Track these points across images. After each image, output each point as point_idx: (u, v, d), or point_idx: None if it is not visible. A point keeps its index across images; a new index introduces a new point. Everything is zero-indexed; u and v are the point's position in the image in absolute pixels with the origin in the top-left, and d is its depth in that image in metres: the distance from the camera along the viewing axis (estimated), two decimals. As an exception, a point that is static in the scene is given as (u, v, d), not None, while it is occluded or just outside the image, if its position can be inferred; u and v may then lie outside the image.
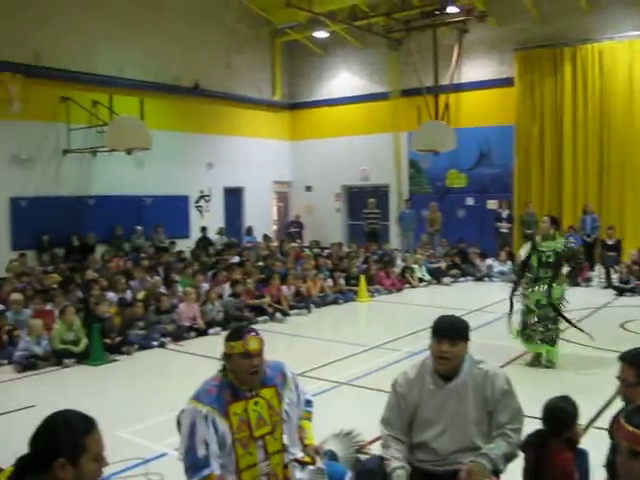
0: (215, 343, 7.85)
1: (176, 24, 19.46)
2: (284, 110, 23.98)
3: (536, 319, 8.37)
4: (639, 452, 1.99)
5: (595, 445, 3.54)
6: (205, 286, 12.46)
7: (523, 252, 8.69)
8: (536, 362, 8.55)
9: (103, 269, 13.98)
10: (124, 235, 17.61)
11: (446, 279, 16.40)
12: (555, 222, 8.77)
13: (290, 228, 22.87)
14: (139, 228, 17.94)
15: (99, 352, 9.23)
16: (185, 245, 18.15)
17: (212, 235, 19.63)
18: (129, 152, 15.48)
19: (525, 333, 8.49)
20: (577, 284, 14.55)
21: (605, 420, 5.79)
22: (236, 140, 21.64)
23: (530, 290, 8.42)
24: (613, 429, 2.97)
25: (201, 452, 3.37)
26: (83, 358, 9.17)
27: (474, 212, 20.31)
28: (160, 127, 17.75)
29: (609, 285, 14.90)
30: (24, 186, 16.13)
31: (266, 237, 20.19)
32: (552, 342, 8.41)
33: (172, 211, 19.35)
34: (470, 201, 20.54)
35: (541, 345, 8.44)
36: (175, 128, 19.37)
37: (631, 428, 2.04)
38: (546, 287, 8.29)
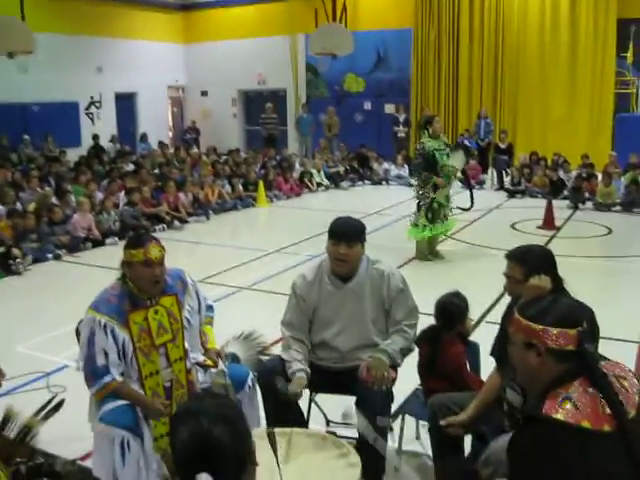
0: (112, 253, 7.74)
1: None
2: (177, 11, 23.00)
3: (444, 213, 8.91)
4: (532, 344, 2.12)
5: (485, 337, 3.72)
6: (99, 195, 12.13)
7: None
8: (425, 256, 9.04)
9: (-11, 181, 13.35)
10: (10, 145, 16.78)
11: (344, 183, 16.55)
12: None
13: (186, 134, 22.38)
14: (27, 137, 17.11)
15: (-10, 266, 8.92)
16: (76, 154, 17.49)
17: (105, 143, 18.97)
18: (11, 56, 14.53)
19: (433, 224, 8.87)
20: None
21: (494, 314, 6.12)
22: (126, 43, 20.67)
23: (443, 186, 8.76)
24: (505, 321, 3.10)
25: (100, 361, 3.37)
26: (-27, 273, 8.86)
27: (372, 116, 20.38)
28: (44, 29, 16.64)
29: (501, 187, 15.44)
30: None
31: (161, 144, 19.65)
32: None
33: (61, 119, 18.46)
34: (368, 105, 20.57)
35: (441, 226, 8.94)
36: (60, 30, 18.24)
37: (525, 321, 2.15)
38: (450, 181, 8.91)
